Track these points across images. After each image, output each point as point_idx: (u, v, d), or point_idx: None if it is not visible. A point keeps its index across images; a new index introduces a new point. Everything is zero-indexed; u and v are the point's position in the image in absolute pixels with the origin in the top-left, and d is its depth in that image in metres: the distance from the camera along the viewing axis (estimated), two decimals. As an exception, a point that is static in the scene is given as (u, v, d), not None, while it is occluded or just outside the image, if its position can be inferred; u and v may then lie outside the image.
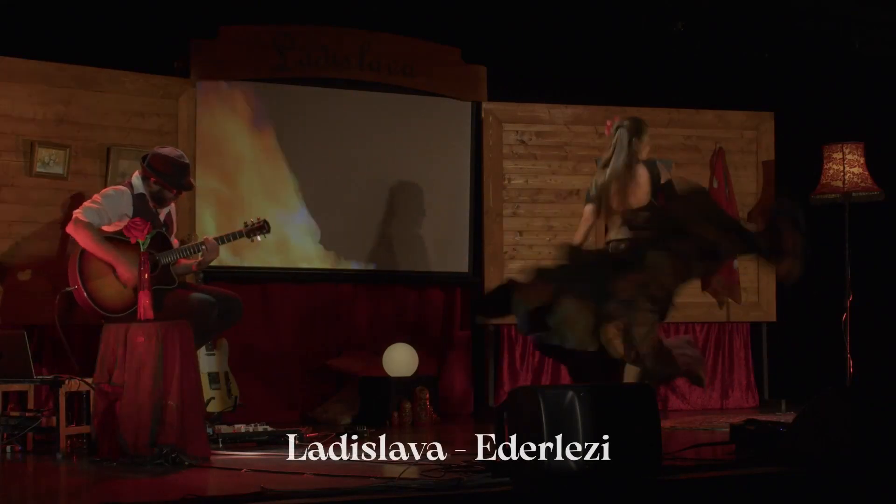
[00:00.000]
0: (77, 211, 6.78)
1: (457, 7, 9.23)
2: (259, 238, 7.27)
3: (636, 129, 7.18)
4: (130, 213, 6.80)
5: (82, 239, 6.71)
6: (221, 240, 7.14)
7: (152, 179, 6.85)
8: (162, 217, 6.95)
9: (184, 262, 7.05)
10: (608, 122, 7.32)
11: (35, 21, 8.01)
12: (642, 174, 7.10)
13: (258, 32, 8.63)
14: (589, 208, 7.19)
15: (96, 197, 6.86)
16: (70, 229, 6.77)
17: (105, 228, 6.77)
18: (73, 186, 7.71)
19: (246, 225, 7.23)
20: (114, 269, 6.72)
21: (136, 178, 6.90)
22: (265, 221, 7.26)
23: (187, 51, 8.42)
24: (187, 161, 7.01)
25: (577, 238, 7.23)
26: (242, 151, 8.67)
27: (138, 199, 6.85)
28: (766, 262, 7.25)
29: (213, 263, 8.14)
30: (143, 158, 6.94)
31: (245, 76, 8.61)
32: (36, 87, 7.72)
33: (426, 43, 9.19)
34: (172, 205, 7.09)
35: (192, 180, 7.03)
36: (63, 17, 8.08)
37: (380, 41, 9.00)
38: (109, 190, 6.96)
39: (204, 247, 6.97)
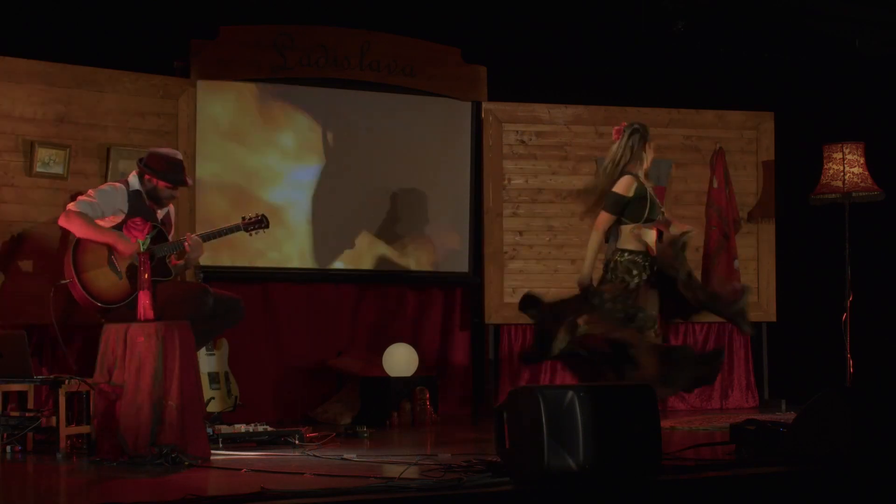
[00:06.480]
0: (70, 204, 6.79)
1: (457, 7, 9.23)
2: (257, 233, 7.24)
3: (647, 134, 7.19)
4: (126, 208, 6.80)
5: (76, 227, 6.70)
6: (218, 233, 7.13)
7: (146, 177, 6.87)
8: (160, 216, 6.95)
9: (175, 262, 7.06)
10: (616, 128, 7.30)
11: (35, 21, 8.01)
12: (623, 182, 7.11)
13: (258, 32, 8.63)
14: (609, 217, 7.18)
15: (91, 192, 6.86)
16: (62, 220, 6.76)
17: (99, 223, 6.76)
18: (72, 186, 7.70)
19: (244, 219, 7.21)
20: (111, 252, 6.71)
21: (132, 177, 6.92)
22: (263, 216, 7.23)
23: (187, 51, 8.43)
24: (182, 158, 7.03)
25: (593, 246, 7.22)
26: (242, 151, 8.68)
27: (134, 196, 6.85)
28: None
29: (213, 263, 8.17)
30: (140, 160, 6.97)
31: (245, 76, 8.61)
32: (36, 87, 7.72)
33: (426, 43, 9.19)
34: (172, 207, 7.09)
35: (187, 177, 7.02)
36: (63, 17, 8.08)
37: (380, 41, 9.00)
38: (105, 185, 6.97)
39: (186, 243, 6.94)
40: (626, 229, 7.08)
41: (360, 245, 9.06)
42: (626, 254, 7.06)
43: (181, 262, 6.99)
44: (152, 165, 6.88)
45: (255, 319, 8.58)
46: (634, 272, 7.03)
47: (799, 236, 9.93)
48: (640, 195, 7.05)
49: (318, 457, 6.32)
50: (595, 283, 7.14)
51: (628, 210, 7.05)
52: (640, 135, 7.14)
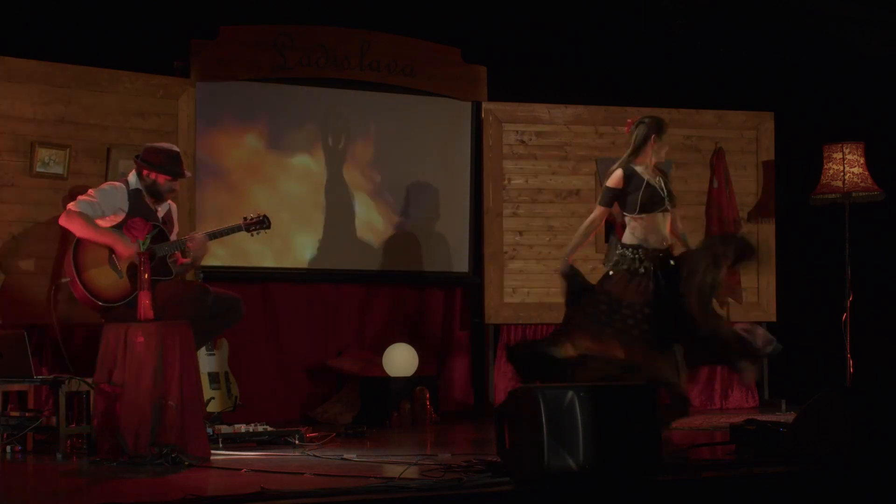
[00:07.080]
0: (71, 203, 6.81)
1: (457, 7, 9.23)
2: (258, 233, 7.25)
3: (657, 128, 7.15)
4: (126, 207, 6.81)
5: (76, 227, 6.72)
6: (220, 233, 7.14)
7: (144, 172, 6.88)
8: (160, 215, 6.96)
9: (181, 261, 7.06)
10: (629, 121, 7.29)
11: (35, 21, 8.00)
12: (614, 176, 7.09)
13: (258, 32, 8.63)
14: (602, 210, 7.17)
15: (91, 191, 6.89)
16: (63, 220, 6.79)
17: (99, 222, 6.77)
18: (73, 186, 7.70)
19: (245, 219, 7.23)
20: (111, 251, 6.72)
21: (132, 176, 6.95)
22: (265, 216, 7.25)
23: (187, 51, 8.42)
24: (178, 150, 7.05)
25: (580, 238, 7.23)
26: (242, 151, 8.68)
27: (134, 195, 6.87)
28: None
29: (213, 263, 8.17)
30: (137, 156, 6.98)
31: (245, 76, 8.60)
32: (36, 87, 7.72)
33: (426, 43, 9.19)
34: (173, 204, 7.10)
35: (185, 169, 7.03)
36: (63, 17, 8.08)
37: (380, 41, 9.00)
38: (105, 185, 6.99)
39: (190, 243, 6.94)
40: (626, 222, 7.09)
41: (359, 245, 9.05)
42: (620, 247, 7.07)
43: (187, 260, 7.01)
44: (150, 160, 6.90)
45: (255, 319, 8.58)
46: (623, 266, 7.03)
47: (799, 236, 9.92)
48: (635, 186, 7.04)
49: (318, 457, 6.32)
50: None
51: (622, 202, 7.06)
52: (645, 126, 7.14)
